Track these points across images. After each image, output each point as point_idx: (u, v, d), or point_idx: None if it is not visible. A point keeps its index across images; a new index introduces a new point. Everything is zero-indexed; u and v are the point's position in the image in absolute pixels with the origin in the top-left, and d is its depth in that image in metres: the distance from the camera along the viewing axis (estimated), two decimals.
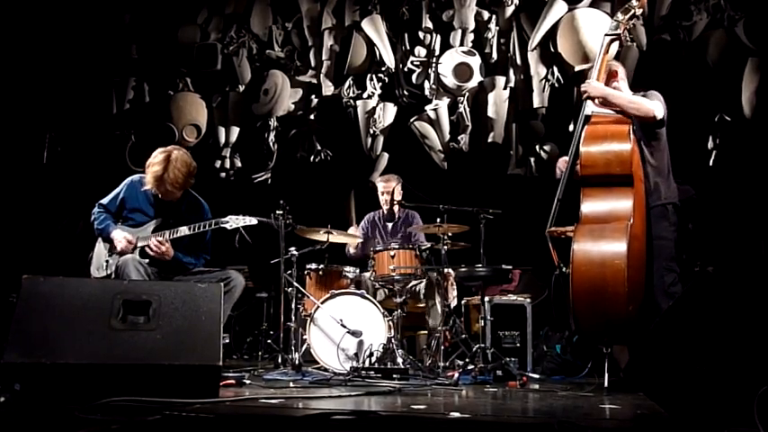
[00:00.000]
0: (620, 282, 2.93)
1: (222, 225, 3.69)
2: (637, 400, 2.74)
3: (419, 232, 4.73)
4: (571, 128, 5.44)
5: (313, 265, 4.53)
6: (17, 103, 5.93)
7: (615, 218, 3.10)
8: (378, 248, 4.30)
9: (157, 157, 3.62)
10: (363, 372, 3.64)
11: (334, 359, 3.98)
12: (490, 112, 5.85)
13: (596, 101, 3.37)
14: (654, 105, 3.27)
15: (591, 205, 3.19)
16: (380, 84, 6.15)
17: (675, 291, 3.20)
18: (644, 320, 3.04)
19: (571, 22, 5.60)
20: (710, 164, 5.30)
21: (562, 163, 3.51)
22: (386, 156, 6.14)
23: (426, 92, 6.01)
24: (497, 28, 5.95)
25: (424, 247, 4.35)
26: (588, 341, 3.44)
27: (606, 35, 3.45)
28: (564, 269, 3.17)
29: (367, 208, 5.22)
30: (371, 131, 6.10)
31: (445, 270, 4.38)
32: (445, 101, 5.98)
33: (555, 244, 3.27)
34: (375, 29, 6.08)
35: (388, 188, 4.92)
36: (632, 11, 3.43)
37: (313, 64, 6.35)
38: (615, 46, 3.46)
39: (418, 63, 6.06)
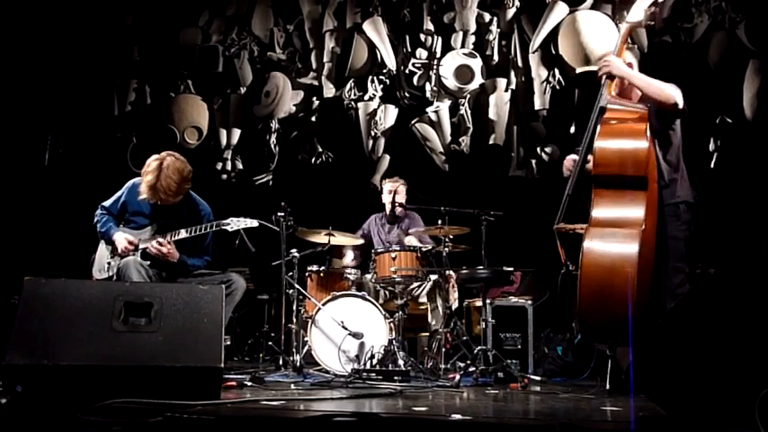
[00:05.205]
0: (629, 288, 2.88)
1: (223, 227, 3.70)
2: (638, 402, 2.74)
3: (422, 235, 4.72)
4: (572, 130, 5.45)
5: (314, 267, 4.53)
6: (19, 105, 5.93)
7: (627, 223, 3.01)
8: (379, 250, 4.30)
9: (150, 165, 3.61)
10: (364, 374, 3.64)
11: (335, 361, 3.98)
12: (491, 114, 5.85)
13: (613, 88, 3.29)
14: (676, 92, 3.18)
15: (602, 207, 3.08)
16: (381, 86, 6.14)
17: (682, 292, 3.12)
18: (649, 321, 3.01)
19: (572, 24, 5.60)
20: (712, 166, 5.30)
21: (569, 162, 3.44)
22: (387, 158, 6.14)
23: (427, 94, 6.01)
24: (498, 30, 5.95)
25: (425, 249, 4.36)
26: (592, 341, 3.42)
27: (626, 22, 3.42)
28: (571, 267, 3.12)
29: (366, 211, 5.21)
30: (372, 133, 6.09)
31: (446, 272, 4.38)
32: (446, 103, 5.98)
33: (563, 241, 3.19)
34: (376, 31, 6.08)
35: (395, 188, 4.91)
36: None
37: (314, 66, 6.35)
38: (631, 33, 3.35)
39: (419, 65, 6.06)
